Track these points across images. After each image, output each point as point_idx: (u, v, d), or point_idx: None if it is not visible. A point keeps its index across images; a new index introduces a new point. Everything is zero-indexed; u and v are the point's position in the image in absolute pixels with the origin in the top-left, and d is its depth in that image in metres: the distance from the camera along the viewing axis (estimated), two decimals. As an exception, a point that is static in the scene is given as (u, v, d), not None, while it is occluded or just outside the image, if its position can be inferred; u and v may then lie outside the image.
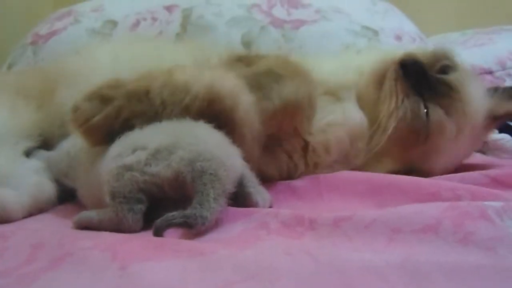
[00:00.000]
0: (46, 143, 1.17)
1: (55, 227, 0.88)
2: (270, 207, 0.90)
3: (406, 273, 0.57)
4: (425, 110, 1.11)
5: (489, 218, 0.68)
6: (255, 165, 0.93)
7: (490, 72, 1.89)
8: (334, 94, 1.18)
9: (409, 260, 0.59)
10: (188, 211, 0.74)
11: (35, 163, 1.09)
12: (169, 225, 0.73)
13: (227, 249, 0.65)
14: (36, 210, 1.00)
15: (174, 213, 0.74)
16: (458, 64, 1.21)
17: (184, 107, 0.90)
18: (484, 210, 0.70)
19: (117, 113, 0.89)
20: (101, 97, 0.91)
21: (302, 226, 0.75)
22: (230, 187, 0.80)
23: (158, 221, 0.74)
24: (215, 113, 0.91)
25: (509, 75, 1.89)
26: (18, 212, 0.96)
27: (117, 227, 0.78)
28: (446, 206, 0.72)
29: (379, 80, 1.17)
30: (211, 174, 0.78)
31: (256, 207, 0.87)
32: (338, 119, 1.15)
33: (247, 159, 0.90)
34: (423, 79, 1.13)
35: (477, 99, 1.17)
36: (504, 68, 1.90)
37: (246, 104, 0.95)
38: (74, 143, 1.02)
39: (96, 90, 0.92)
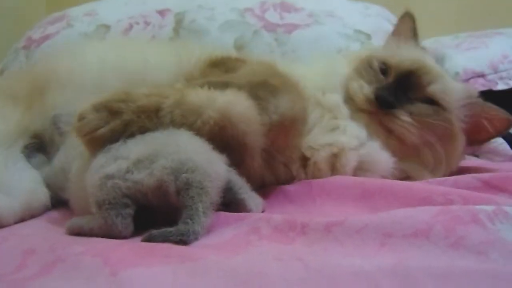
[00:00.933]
0: (40, 142, 1.16)
1: (47, 233, 0.87)
2: (263, 211, 0.90)
3: (397, 278, 0.57)
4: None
5: (480, 222, 0.68)
6: (257, 177, 0.93)
7: (482, 75, 1.90)
8: (325, 107, 1.19)
9: (401, 265, 0.59)
10: (182, 227, 0.74)
11: (31, 170, 1.09)
12: (165, 240, 0.73)
13: (218, 254, 0.65)
14: (28, 216, 1.00)
15: (171, 229, 0.75)
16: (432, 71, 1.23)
17: (194, 129, 0.88)
18: (475, 214, 0.70)
19: (124, 127, 0.88)
20: (110, 109, 0.89)
21: (293, 231, 0.75)
22: (217, 198, 0.81)
23: (155, 234, 0.75)
24: (226, 137, 0.90)
25: (501, 78, 1.89)
26: (10, 217, 0.95)
27: (108, 234, 0.78)
28: (437, 211, 0.72)
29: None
30: (197, 187, 0.77)
31: (248, 212, 0.87)
32: (344, 140, 1.14)
33: (252, 174, 0.91)
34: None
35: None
36: (496, 71, 1.90)
37: (257, 127, 0.93)
38: (66, 157, 1.02)
39: (105, 102, 0.90)
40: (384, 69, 1.22)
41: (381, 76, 1.21)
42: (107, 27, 1.90)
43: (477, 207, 0.72)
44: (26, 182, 1.05)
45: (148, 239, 0.74)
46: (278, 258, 0.64)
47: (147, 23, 1.88)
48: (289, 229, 0.75)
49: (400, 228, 0.69)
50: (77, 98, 1.11)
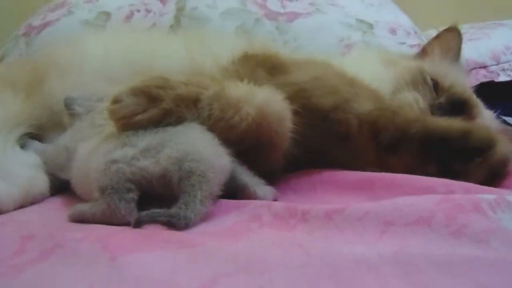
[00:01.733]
0: (37, 133, 1.16)
1: (46, 219, 0.87)
2: (275, 200, 0.90)
3: (398, 266, 0.57)
4: None
5: (482, 210, 0.68)
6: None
7: (484, 67, 1.89)
8: None
9: (401, 253, 0.59)
10: (173, 210, 0.74)
11: (30, 156, 1.09)
12: (152, 221, 0.74)
13: (218, 241, 0.65)
14: (28, 203, 1.00)
15: (160, 210, 0.75)
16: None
17: (231, 124, 0.87)
18: (477, 202, 0.69)
19: (163, 116, 0.86)
20: (149, 95, 0.86)
21: (294, 218, 0.74)
22: (218, 189, 0.80)
23: (143, 214, 0.75)
24: (259, 135, 0.89)
25: (503, 69, 1.89)
26: (9, 204, 0.95)
27: (111, 219, 0.78)
28: (439, 199, 0.72)
29: None
30: (199, 175, 0.77)
31: (256, 198, 0.87)
32: None
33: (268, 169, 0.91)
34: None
35: None
36: (498, 62, 1.90)
37: (288, 129, 0.93)
38: (72, 138, 1.02)
39: (143, 87, 0.87)
40: (435, 87, 1.20)
41: (434, 95, 1.19)
42: (107, 14, 1.89)
43: (479, 195, 0.72)
44: (25, 168, 1.05)
45: (136, 223, 0.74)
46: (278, 244, 0.63)
47: (148, 11, 1.87)
48: (289, 216, 0.75)
49: (401, 215, 0.68)
50: (78, 86, 1.11)
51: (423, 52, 1.40)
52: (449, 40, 1.38)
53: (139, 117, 0.85)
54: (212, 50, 1.21)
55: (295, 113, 0.94)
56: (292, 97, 0.94)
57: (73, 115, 1.07)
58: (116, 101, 0.86)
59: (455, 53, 1.37)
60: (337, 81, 1.02)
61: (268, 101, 0.89)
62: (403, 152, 0.93)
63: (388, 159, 0.93)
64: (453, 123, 0.94)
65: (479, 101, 1.27)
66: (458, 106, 1.17)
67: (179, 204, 0.75)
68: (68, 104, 1.07)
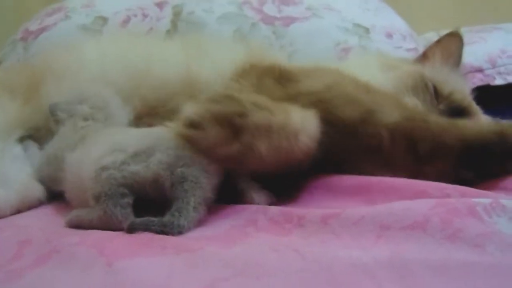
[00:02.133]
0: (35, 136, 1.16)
1: (43, 224, 0.87)
2: (272, 204, 0.89)
3: (394, 270, 0.57)
4: None
5: (477, 215, 0.68)
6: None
7: (480, 70, 1.90)
8: None
9: (397, 257, 0.59)
10: (166, 219, 0.75)
11: (27, 161, 1.09)
12: (146, 229, 0.74)
13: (215, 246, 0.65)
14: (25, 208, 1.00)
15: (154, 219, 0.75)
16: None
17: (289, 153, 0.84)
18: (472, 207, 0.69)
19: (243, 150, 0.82)
20: (232, 126, 0.81)
21: (290, 223, 0.74)
22: (211, 195, 0.80)
23: (137, 221, 0.75)
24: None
25: (499, 73, 1.89)
26: (6, 209, 0.96)
27: (108, 225, 0.78)
28: (434, 203, 0.72)
29: None
30: (192, 181, 0.78)
31: (253, 203, 0.86)
32: None
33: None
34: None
35: None
36: (494, 66, 1.90)
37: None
38: (59, 144, 1.01)
39: (227, 115, 0.82)
40: (435, 92, 1.20)
41: (435, 101, 1.19)
42: (104, 19, 1.89)
43: (474, 199, 0.72)
44: (23, 174, 1.05)
45: (129, 230, 0.74)
46: (274, 249, 0.64)
47: (145, 15, 1.87)
48: (285, 221, 0.75)
49: (397, 220, 0.68)
50: (76, 90, 1.11)
51: (424, 56, 1.39)
52: (451, 45, 1.38)
53: (222, 151, 0.82)
54: (210, 57, 1.21)
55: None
56: (311, 109, 0.92)
57: (57, 121, 1.05)
58: (195, 126, 0.82)
59: (456, 59, 1.36)
60: (352, 88, 1.00)
61: (316, 128, 0.88)
62: (439, 160, 0.93)
63: (423, 167, 0.93)
64: (484, 127, 0.93)
65: (479, 108, 1.27)
66: (457, 114, 1.16)
67: (172, 211, 0.75)
68: (52, 111, 1.06)
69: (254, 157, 0.82)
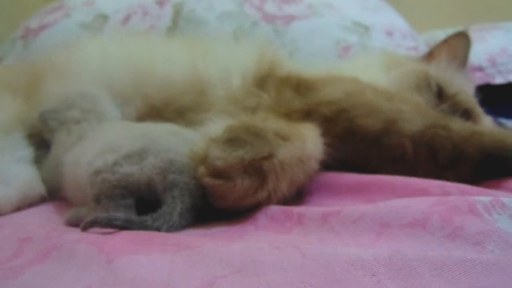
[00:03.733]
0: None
1: (43, 221, 0.88)
2: None
3: (393, 268, 0.57)
4: None
5: (477, 212, 0.68)
6: None
7: (481, 69, 1.90)
8: None
9: (397, 255, 0.59)
10: (149, 221, 0.74)
11: (28, 159, 1.09)
12: (125, 228, 0.73)
13: (214, 243, 0.65)
14: (25, 205, 1.00)
15: (135, 218, 0.74)
16: None
17: (295, 182, 0.85)
18: (472, 204, 0.69)
19: (267, 197, 0.80)
20: (260, 173, 0.78)
21: (290, 221, 0.75)
22: (201, 201, 0.79)
23: (100, 216, 0.73)
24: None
25: (499, 72, 1.89)
26: (6, 206, 0.95)
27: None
28: (434, 201, 0.72)
29: None
30: (181, 188, 0.77)
31: None
32: None
33: None
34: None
35: None
36: (494, 65, 1.91)
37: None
38: (57, 152, 1.01)
39: (254, 162, 0.77)
40: (439, 92, 1.20)
41: (437, 100, 1.19)
42: (105, 17, 1.89)
43: (474, 197, 0.72)
44: (23, 171, 1.05)
45: (91, 222, 0.72)
46: (274, 246, 0.63)
47: (145, 13, 1.87)
48: (285, 219, 0.76)
49: (396, 218, 0.69)
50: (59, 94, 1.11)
51: (430, 55, 1.39)
52: (458, 45, 1.37)
53: (250, 201, 0.79)
54: (216, 56, 1.19)
55: (339, 137, 0.94)
56: (333, 119, 0.93)
57: (50, 131, 1.05)
58: (222, 175, 0.77)
59: (462, 60, 1.36)
60: (373, 96, 1.00)
61: (322, 150, 0.90)
62: (459, 168, 0.93)
63: (442, 173, 0.93)
64: (506, 139, 0.94)
65: (482, 111, 1.27)
66: (460, 115, 1.16)
67: (157, 214, 0.75)
68: (42, 120, 1.06)
69: (276, 197, 0.82)
